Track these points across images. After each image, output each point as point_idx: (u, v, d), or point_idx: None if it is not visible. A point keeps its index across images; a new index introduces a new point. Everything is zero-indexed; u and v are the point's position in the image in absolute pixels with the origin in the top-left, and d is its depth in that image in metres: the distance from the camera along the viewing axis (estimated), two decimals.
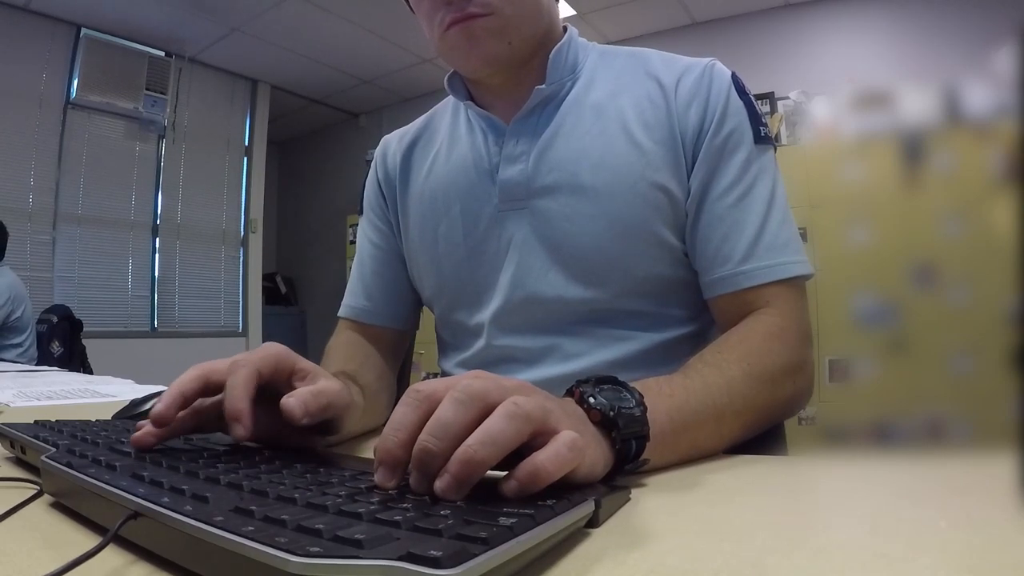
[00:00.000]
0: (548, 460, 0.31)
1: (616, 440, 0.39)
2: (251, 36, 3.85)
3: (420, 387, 0.33)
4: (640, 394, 0.42)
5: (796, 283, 0.66)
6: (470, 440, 0.30)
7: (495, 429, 0.30)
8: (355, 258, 0.88)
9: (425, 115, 0.86)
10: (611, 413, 0.39)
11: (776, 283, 0.64)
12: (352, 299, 0.85)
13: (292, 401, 0.43)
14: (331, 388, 0.47)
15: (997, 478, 0.33)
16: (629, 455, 0.39)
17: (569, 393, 0.41)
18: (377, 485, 0.32)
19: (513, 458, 0.31)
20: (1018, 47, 0.27)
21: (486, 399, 0.32)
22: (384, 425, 0.34)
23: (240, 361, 0.43)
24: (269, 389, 0.45)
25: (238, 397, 0.41)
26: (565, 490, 0.32)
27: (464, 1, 0.65)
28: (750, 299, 0.65)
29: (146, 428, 0.41)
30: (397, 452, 0.32)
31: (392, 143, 0.86)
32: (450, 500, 0.29)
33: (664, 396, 0.48)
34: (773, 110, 3.26)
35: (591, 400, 0.39)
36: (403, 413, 0.33)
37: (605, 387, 0.41)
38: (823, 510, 0.38)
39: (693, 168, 0.68)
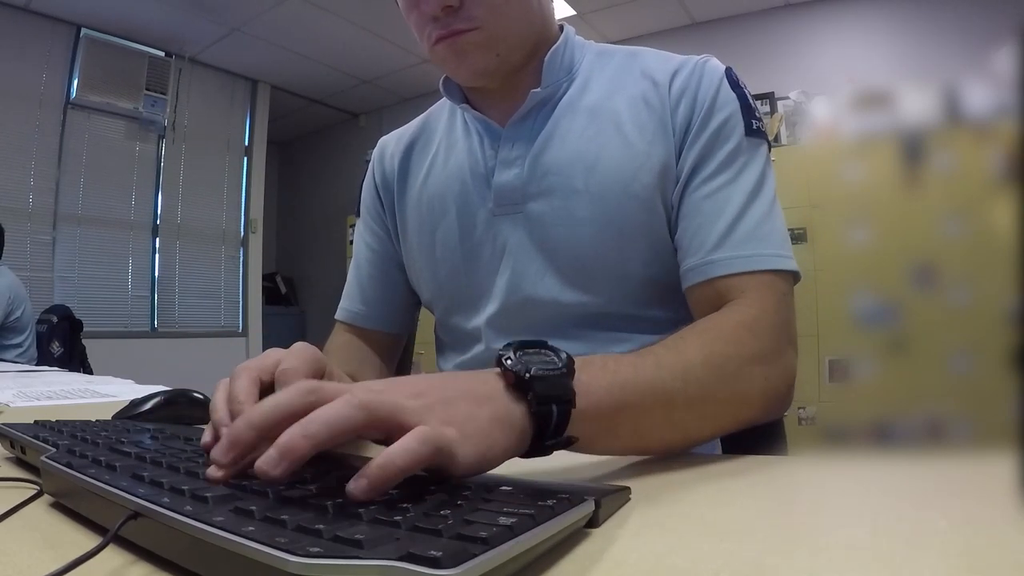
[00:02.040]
0: (397, 454, 0.30)
1: (532, 403, 0.37)
2: (251, 36, 3.85)
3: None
4: (570, 358, 0.40)
5: (777, 277, 0.61)
6: (296, 423, 0.31)
7: (322, 414, 0.31)
8: (352, 261, 0.88)
9: (421, 116, 0.86)
10: (526, 375, 0.37)
11: (751, 274, 0.60)
12: (348, 303, 0.85)
13: None
14: None
15: (997, 478, 0.33)
16: (551, 422, 0.37)
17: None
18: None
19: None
20: (1018, 47, 0.27)
21: (323, 391, 0.33)
22: None
23: (289, 372, 0.43)
24: None
25: None
26: (552, 489, 0.32)
27: (449, 17, 0.64)
28: (722, 290, 0.61)
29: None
30: (228, 423, 0.37)
31: (389, 145, 0.86)
32: (271, 478, 0.30)
33: (608, 371, 0.44)
34: (773, 110, 3.26)
35: (507, 363, 0.37)
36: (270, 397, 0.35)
37: (530, 351, 0.39)
38: (823, 510, 0.38)
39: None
